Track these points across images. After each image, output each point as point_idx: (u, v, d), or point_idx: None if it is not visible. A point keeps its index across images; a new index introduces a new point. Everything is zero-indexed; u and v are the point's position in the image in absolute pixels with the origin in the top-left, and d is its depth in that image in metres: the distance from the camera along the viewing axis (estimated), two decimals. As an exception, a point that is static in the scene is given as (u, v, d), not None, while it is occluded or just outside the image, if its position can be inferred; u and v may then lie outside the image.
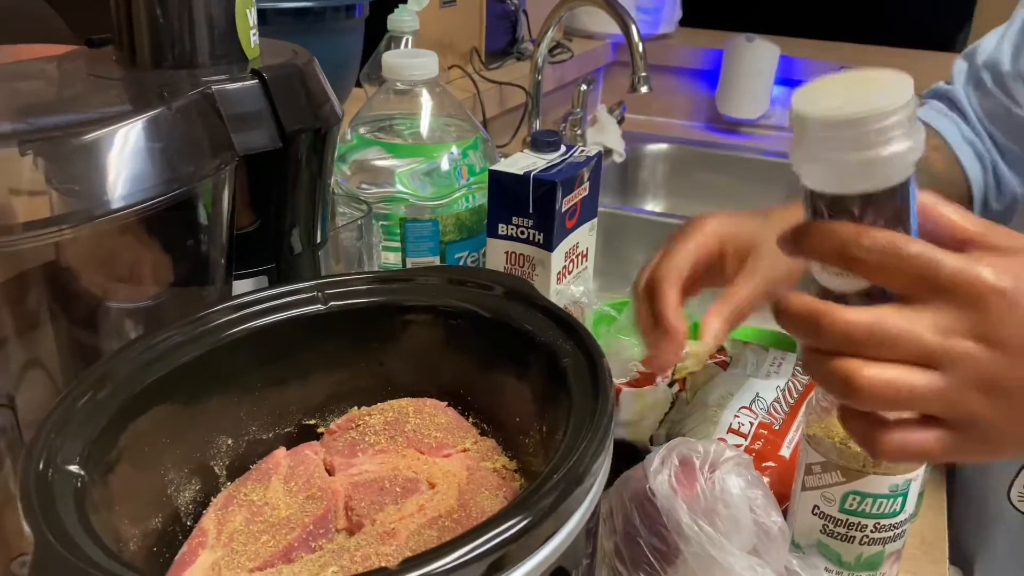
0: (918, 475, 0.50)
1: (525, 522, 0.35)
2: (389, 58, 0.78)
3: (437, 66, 0.79)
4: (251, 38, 0.56)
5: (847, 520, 0.51)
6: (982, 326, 0.33)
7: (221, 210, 0.53)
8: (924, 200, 0.37)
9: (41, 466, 0.37)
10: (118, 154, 0.48)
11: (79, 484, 0.37)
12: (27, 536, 0.34)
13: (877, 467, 0.49)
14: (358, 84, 1.05)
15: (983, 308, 0.33)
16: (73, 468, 0.38)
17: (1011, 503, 0.66)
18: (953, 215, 0.37)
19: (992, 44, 0.73)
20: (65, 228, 0.46)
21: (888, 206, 0.36)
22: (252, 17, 0.56)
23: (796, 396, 0.67)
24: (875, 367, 0.34)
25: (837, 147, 0.34)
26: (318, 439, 0.53)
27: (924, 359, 0.34)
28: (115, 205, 0.47)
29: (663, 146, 1.66)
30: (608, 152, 1.54)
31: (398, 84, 0.80)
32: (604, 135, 1.55)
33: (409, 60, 0.78)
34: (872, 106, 0.34)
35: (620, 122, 1.65)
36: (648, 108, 1.84)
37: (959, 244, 0.36)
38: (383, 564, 0.41)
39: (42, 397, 0.51)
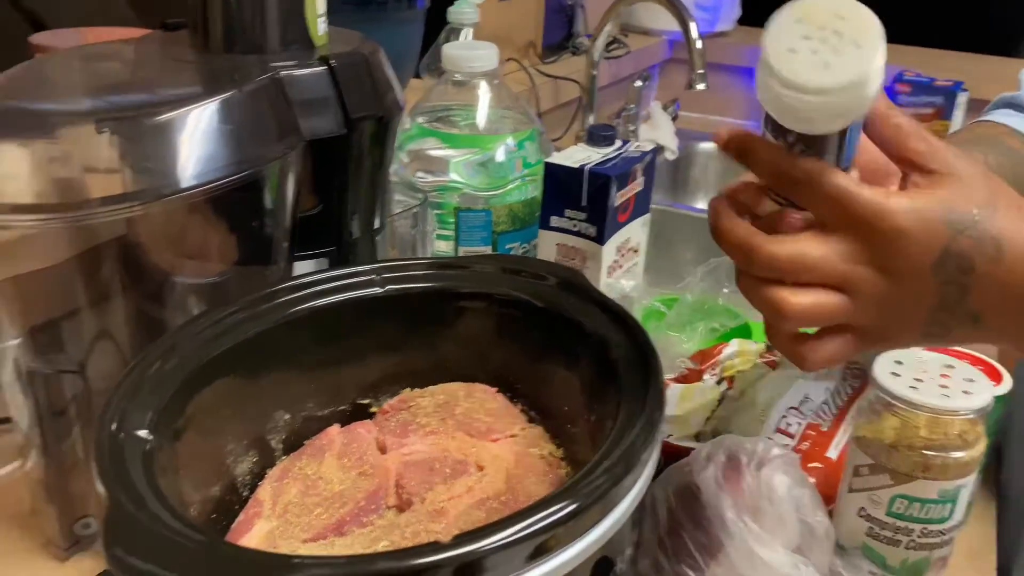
0: (968, 482, 0.50)
1: (573, 506, 0.35)
2: (449, 49, 0.79)
3: (497, 58, 0.79)
4: (319, 25, 0.57)
5: (894, 524, 0.51)
6: (881, 257, 0.39)
7: (286, 193, 0.55)
8: (879, 110, 0.40)
9: (113, 430, 0.39)
10: (190, 135, 0.50)
11: (148, 448, 0.39)
12: (99, 496, 0.36)
13: (927, 472, 0.49)
14: (417, 75, 1.06)
15: (882, 241, 0.39)
16: (142, 433, 0.39)
17: None
18: (902, 130, 0.40)
19: None
20: (137, 205, 0.48)
21: (823, 142, 0.39)
22: (321, 5, 0.57)
23: (845, 398, 0.66)
24: (799, 295, 0.40)
25: (787, 98, 0.37)
26: (371, 418, 0.55)
27: (836, 283, 0.40)
28: (185, 184, 0.48)
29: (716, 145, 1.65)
30: (661, 149, 1.54)
31: (457, 75, 0.81)
32: (657, 132, 1.54)
33: (469, 52, 0.79)
34: (826, 83, 0.36)
35: (674, 119, 1.64)
36: (703, 106, 1.83)
37: (901, 160, 0.40)
38: (433, 540, 0.42)
39: (110, 366, 0.53)
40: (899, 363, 0.51)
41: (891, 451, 0.49)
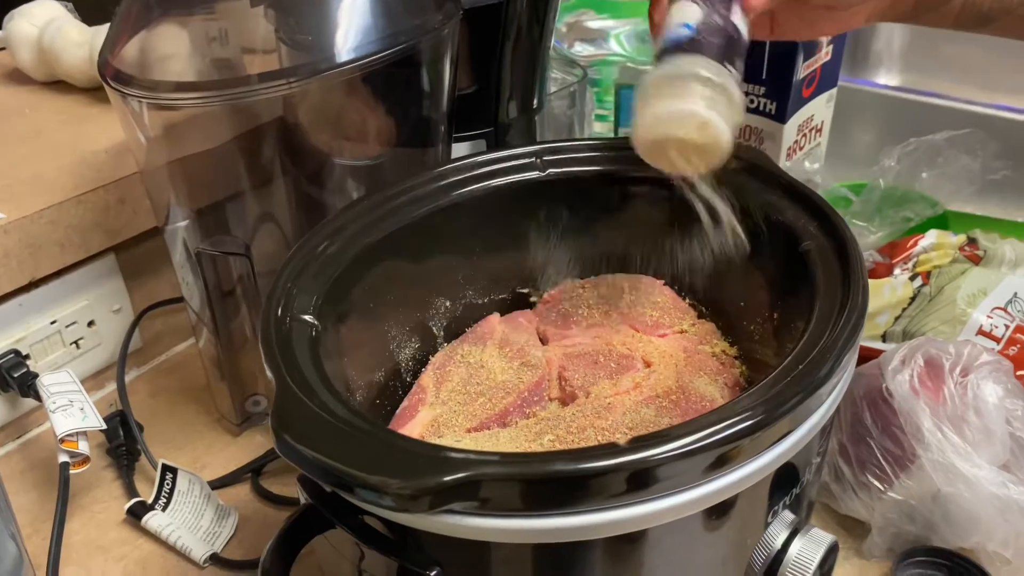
0: None
1: (762, 415, 0.32)
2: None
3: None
4: None
5: None
6: None
7: (443, 69, 0.51)
8: None
9: (280, 313, 0.38)
10: (346, 7, 0.48)
11: (313, 333, 0.38)
12: (264, 378, 0.35)
13: None
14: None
15: None
16: (308, 318, 0.39)
17: None
18: None
19: None
20: (294, 81, 0.46)
21: None
22: None
23: (1063, 300, 0.58)
24: None
25: None
26: (531, 308, 0.53)
27: None
28: (342, 59, 0.46)
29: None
30: (838, 18, 1.39)
31: (621, -64, 0.74)
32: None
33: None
34: None
35: (855, -16, 1.48)
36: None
37: None
38: (600, 438, 0.40)
39: (273, 248, 0.54)
40: None
41: None
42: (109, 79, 0.46)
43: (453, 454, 0.29)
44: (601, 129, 0.75)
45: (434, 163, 0.51)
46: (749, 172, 0.47)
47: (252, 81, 0.46)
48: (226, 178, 0.51)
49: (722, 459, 0.31)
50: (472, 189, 0.49)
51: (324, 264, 0.41)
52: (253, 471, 0.56)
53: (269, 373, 0.35)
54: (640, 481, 0.30)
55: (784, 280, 0.44)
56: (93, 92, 0.74)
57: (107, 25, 0.50)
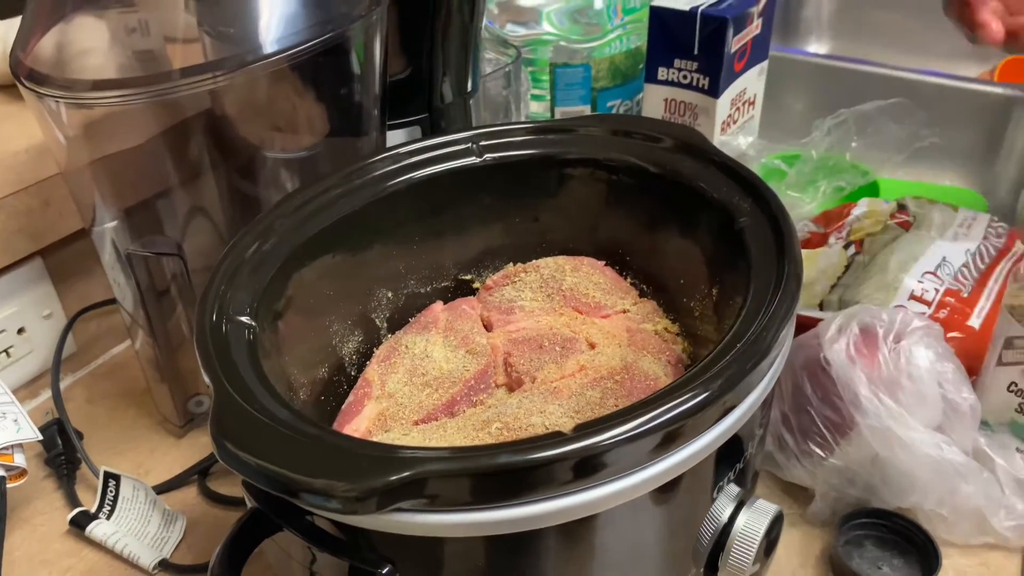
0: None
1: (705, 394, 0.32)
2: None
3: None
4: None
5: (1050, 400, 0.46)
6: None
7: (373, 55, 0.50)
8: None
9: (215, 317, 0.37)
10: (269, -5, 0.46)
11: (251, 335, 0.37)
12: (204, 380, 0.35)
13: (1095, 345, 0.44)
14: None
15: None
16: (244, 319, 0.38)
17: None
18: None
19: None
20: (220, 74, 0.45)
21: None
22: None
23: (988, 261, 0.60)
24: None
25: None
26: (474, 294, 0.52)
27: None
28: (268, 50, 0.45)
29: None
30: (768, -12, 1.40)
31: (549, -87, 0.73)
32: (765, -32, 1.41)
33: None
34: None
35: (783, -47, 1.49)
36: (815, -64, 1.65)
37: None
38: (548, 423, 0.40)
39: (207, 245, 0.52)
40: (1069, 223, 0.45)
41: (1054, 323, 0.44)
42: (23, 79, 0.44)
43: (398, 453, 0.29)
44: (537, 109, 0.75)
45: (369, 152, 0.50)
46: (683, 151, 0.47)
47: (175, 76, 0.44)
48: (153, 176, 0.49)
49: (667, 440, 0.32)
50: (409, 178, 0.48)
51: (258, 263, 0.41)
52: (199, 473, 0.55)
53: (207, 379, 0.34)
54: (586, 468, 0.31)
55: (721, 257, 0.44)
56: (8, 89, 0.71)
57: (19, 18, 0.48)
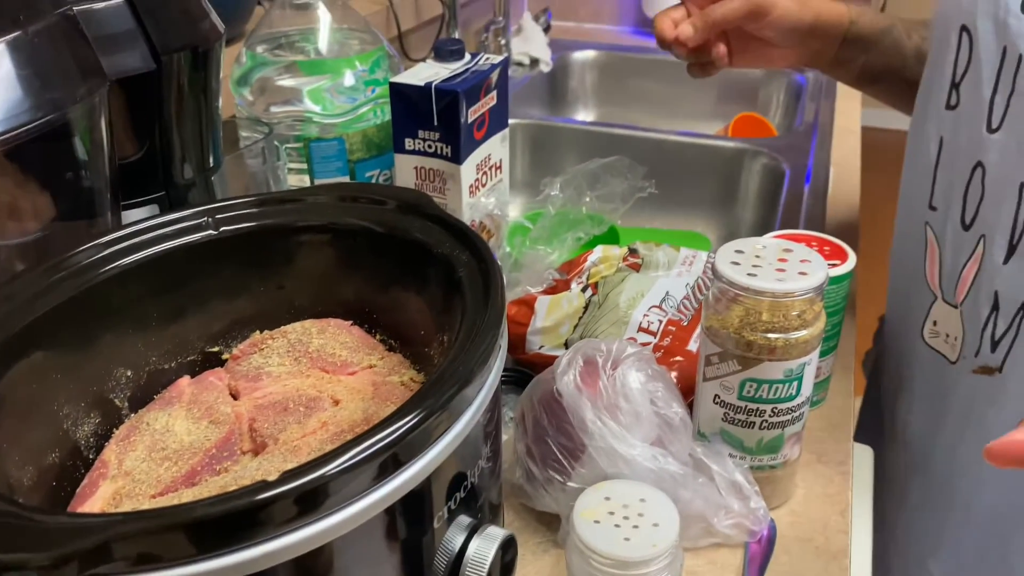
0: (811, 359, 0.52)
1: (414, 421, 0.35)
2: (280, -29, 0.75)
3: (331, -23, 0.76)
4: (116, -46, 0.53)
5: (746, 407, 0.52)
6: None
7: (99, 138, 0.51)
8: None
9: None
10: (-23, 84, 0.46)
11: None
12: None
13: (771, 354, 0.50)
14: (259, 2, 1.01)
15: None
16: (-51, 410, 0.37)
17: (924, 340, 0.69)
18: None
19: None
20: (-70, 165, 0.44)
21: None
22: (114, -69, 0.52)
23: (704, 293, 0.68)
24: None
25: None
26: (223, 366, 0.53)
27: None
28: (-20, 138, 0.45)
29: (591, 53, 1.63)
30: (535, 62, 1.51)
31: (295, -1, 0.77)
32: (530, 44, 1.52)
33: (301, -28, 0.75)
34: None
35: (546, 30, 1.62)
36: (575, 14, 1.81)
37: None
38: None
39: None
40: (739, 252, 0.52)
41: (737, 338, 0.51)
42: None
43: (89, 519, 0.30)
44: (296, 181, 0.77)
45: (102, 234, 0.50)
46: (407, 211, 0.51)
47: None
48: None
49: (384, 467, 0.34)
50: (141, 256, 0.49)
51: (-35, 354, 0.40)
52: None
53: None
54: (294, 508, 0.32)
55: (447, 306, 0.48)
56: None
57: None
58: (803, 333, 0.50)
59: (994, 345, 0.63)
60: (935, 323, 0.69)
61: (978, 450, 0.50)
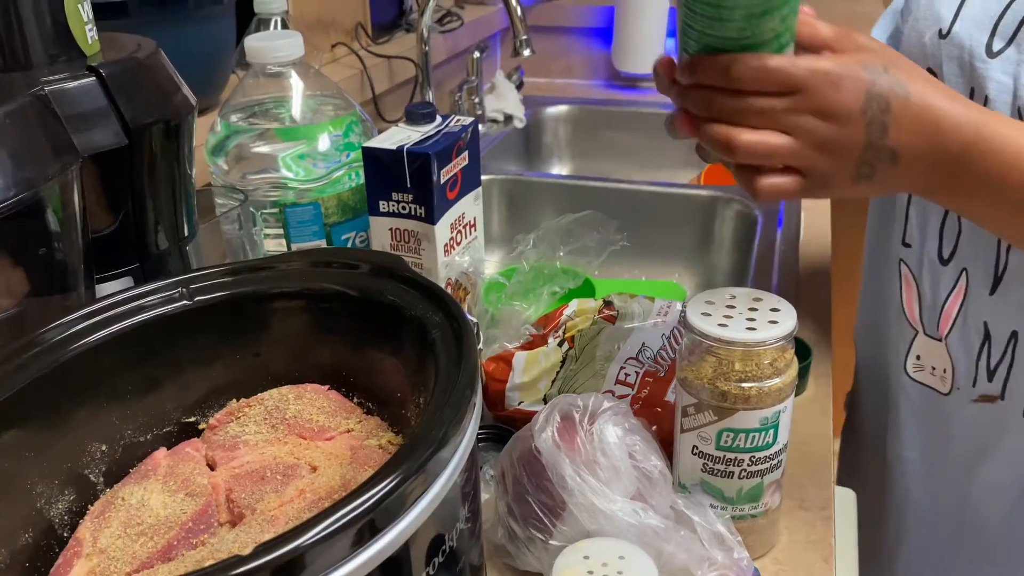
0: (786, 406, 0.52)
1: (389, 487, 0.35)
2: (251, 41, 0.76)
3: (302, 46, 0.77)
4: (87, 34, 0.54)
5: (724, 456, 0.53)
6: (816, 103, 0.48)
7: (72, 213, 0.52)
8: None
9: None
10: (-52, 165, 0.47)
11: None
12: None
13: (746, 404, 0.51)
14: (234, 71, 1.02)
15: (817, 91, 0.47)
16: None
17: (907, 374, 0.70)
18: (813, 26, 0.50)
19: None
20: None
21: None
22: (86, 12, 0.54)
23: (680, 344, 0.69)
24: (746, 132, 0.48)
25: None
26: (200, 436, 0.53)
27: (781, 128, 0.48)
28: (-49, 219, 0.45)
29: (564, 108, 1.66)
30: (509, 118, 1.54)
31: (268, 68, 0.79)
32: (503, 102, 1.55)
33: (272, 42, 0.76)
34: None
35: (519, 87, 1.65)
36: (547, 70, 1.84)
37: (819, 46, 0.49)
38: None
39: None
40: (710, 303, 0.53)
41: (711, 388, 0.51)
42: None
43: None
44: (273, 246, 0.77)
45: (76, 308, 0.51)
46: (380, 274, 0.52)
47: None
48: None
49: (361, 534, 0.34)
50: (115, 328, 0.49)
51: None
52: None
53: None
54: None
55: (422, 368, 0.48)
56: None
57: None
58: (776, 381, 0.51)
59: (990, 374, 0.64)
60: (918, 357, 0.69)
61: (997, 477, 0.54)
